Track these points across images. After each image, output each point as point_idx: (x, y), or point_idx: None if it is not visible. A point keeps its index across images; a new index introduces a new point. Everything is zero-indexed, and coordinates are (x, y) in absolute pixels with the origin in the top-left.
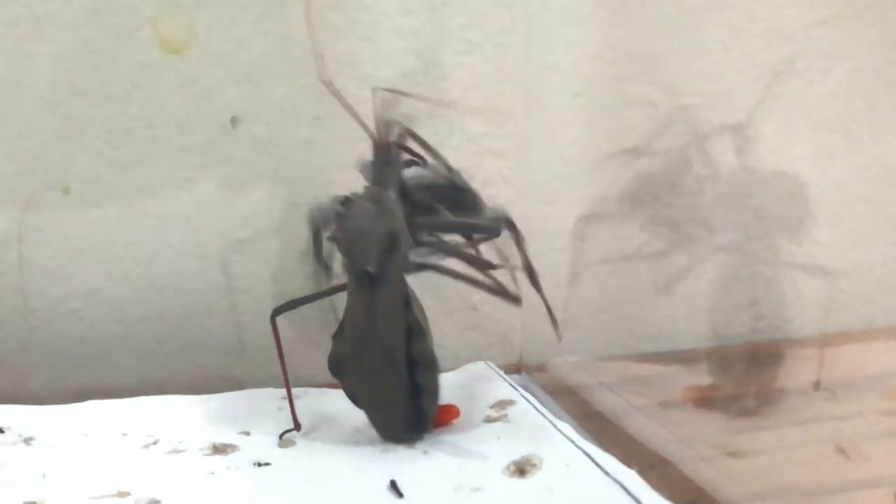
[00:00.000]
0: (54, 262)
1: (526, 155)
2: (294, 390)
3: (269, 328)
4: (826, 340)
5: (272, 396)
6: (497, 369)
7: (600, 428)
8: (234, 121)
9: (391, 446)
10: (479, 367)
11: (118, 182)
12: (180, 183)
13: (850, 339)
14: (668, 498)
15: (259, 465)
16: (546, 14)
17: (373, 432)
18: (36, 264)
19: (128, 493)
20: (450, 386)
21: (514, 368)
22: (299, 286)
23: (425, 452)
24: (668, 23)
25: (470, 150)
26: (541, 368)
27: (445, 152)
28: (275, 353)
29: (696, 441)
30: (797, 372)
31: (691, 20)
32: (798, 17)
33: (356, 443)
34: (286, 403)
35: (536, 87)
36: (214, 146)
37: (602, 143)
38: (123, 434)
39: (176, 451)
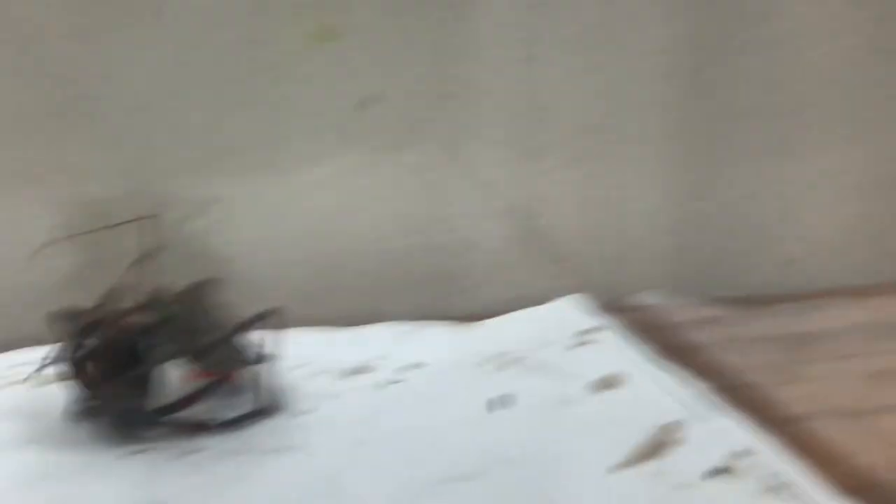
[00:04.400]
0: (222, 213)
1: None
2: (413, 324)
3: (400, 278)
4: None
5: (402, 328)
6: (586, 302)
7: (676, 355)
8: (363, 103)
9: (502, 367)
10: (571, 301)
11: (278, 152)
12: (331, 151)
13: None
14: (734, 409)
15: (392, 383)
16: None
17: (486, 357)
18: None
19: (283, 405)
20: (543, 317)
21: (600, 308)
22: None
23: (526, 372)
24: None
25: None
26: (624, 306)
27: None
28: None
29: (760, 369)
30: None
31: None
32: None
33: (468, 366)
34: (414, 335)
35: None
36: (353, 123)
37: None
38: (279, 359)
39: (323, 372)
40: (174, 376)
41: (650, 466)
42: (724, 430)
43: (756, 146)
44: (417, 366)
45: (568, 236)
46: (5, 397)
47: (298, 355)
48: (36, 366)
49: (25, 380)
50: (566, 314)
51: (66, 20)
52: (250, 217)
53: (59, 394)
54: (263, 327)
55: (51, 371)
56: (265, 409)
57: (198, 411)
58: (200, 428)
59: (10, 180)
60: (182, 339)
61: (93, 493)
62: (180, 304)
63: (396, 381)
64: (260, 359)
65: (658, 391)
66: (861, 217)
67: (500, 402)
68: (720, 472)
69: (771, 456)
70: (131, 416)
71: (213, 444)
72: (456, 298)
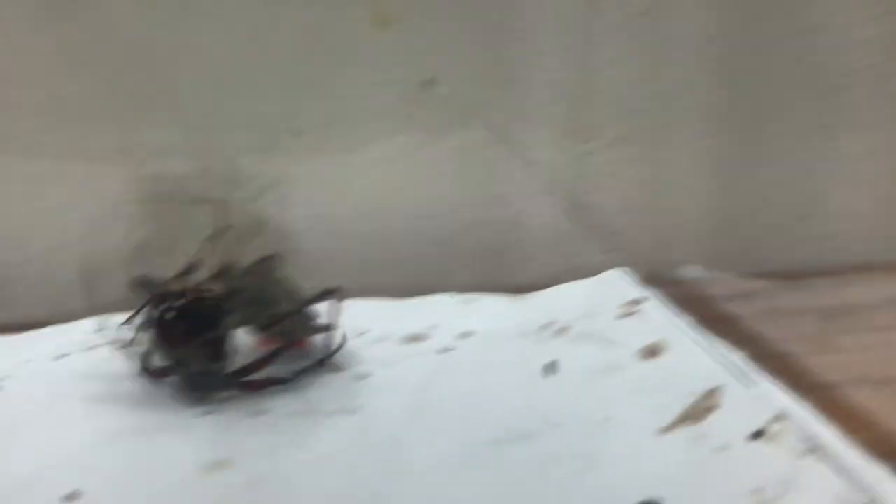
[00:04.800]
0: (286, 191)
1: None
2: (466, 295)
3: (454, 253)
4: None
5: (455, 300)
6: (631, 275)
7: (716, 327)
8: (427, 84)
9: (551, 336)
10: (617, 274)
11: (339, 133)
12: (388, 131)
13: None
14: (772, 377)
15: (445, 350)
16: None
17: (537, 326)
18: (274, 191)
19: (343, 370)
20: (591, 289)
21: (645, 280)
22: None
23: (575, 340)
24: None
25: None
26: (667, 280)
27: None
28: (458, 267)
29: (796, 339)
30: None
31: None
32: None
33: (519, 335)
34: (466, 305)
35: None
36: (408, 106)
37: None
38: (341, 326)
39: (381, 340)
40: (245, 343)
41: (693, 430)
42: (762, 396)
43: (797, 126)
44: (471, 334)
45: (614, 213)
46: (88, 359)
47: (359, 324)
48: (117, 330)
49: (107, 343)
50: (612, 286)
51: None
52: (313, 194)
53: (137, 357)
54: (328, 301)
55: (131, 335)
56: (329, 366)
57: (267, 373)
58: (269, 382)
59: (87, 157)
60: (252, 309)
61: (168, 449)
62: (250, 277)
63: (451, 349)
64: (326, 327)
65: (700, 359)
66: None
67: (550, 369)
68: (759, 435)
69: (807, 420)
70: (206, 378)
71: (279, 406)
72: (507, 272)
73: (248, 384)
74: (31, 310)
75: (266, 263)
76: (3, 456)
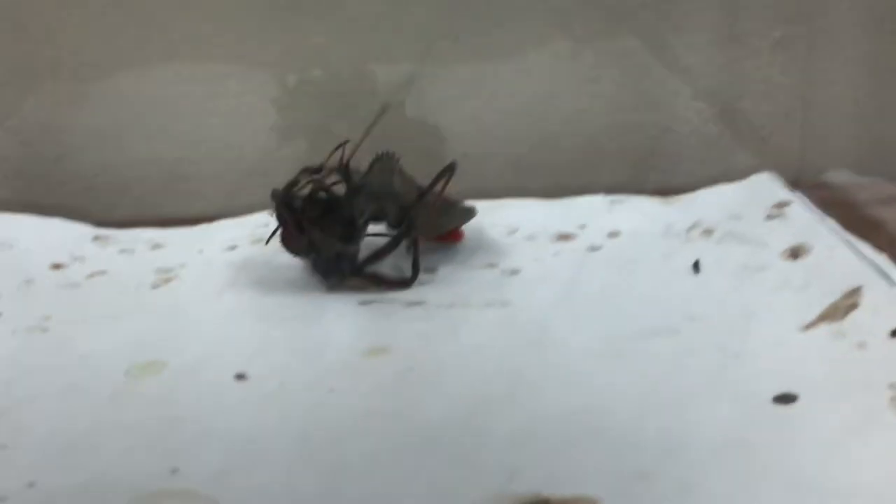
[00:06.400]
0: (443, 96)
1: None
2: (614, 196)
3: (603, 156)
4: None
5: (603, 200)
6: (778, 178)
7: (860, 230)
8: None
9: (697, 236)
10: (764, 177)
11: (491, 40)
12: (543, 37)
13: None
14: None
15: (592, 249)
16: None
17: (683, 227)
18: (429, 96)
19: (496, 265)
20: (738, 192)
21: (792, 184)
22: None
23: (720, 241)
24: None
25: None
26: (813, 184)
27: None
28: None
29: None
30: None
31: None
32: None
33: (665, 235)
34: (614, 206)
35: None
36: (570, 9)
37: None
38: (492, 225)
39: (531, 238)
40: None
41: (833, 327)
42: None
43: None
44: (618, 234)
45: (764, 118)
46: (256, 251)
47: (511, 223)
48: (266, 227)
49: (261, 240)
50: (759, 189)
51: None
52: (468, 99)
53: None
54: (447, 181)
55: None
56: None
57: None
58: (392, 283)
59: (254, 61)
60: (380, 204)
61: (327, 333)
62: (370, 175)
63: (599, 248)
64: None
65: (843, 259)
66: None
67: (695, 268)
68: None
69: None
70: (337, 263)
71: (433, 299)
72: (655, 175)
73: (374, 277)
74: (206, 204)
75: (385, 161)
76: (178, 338)
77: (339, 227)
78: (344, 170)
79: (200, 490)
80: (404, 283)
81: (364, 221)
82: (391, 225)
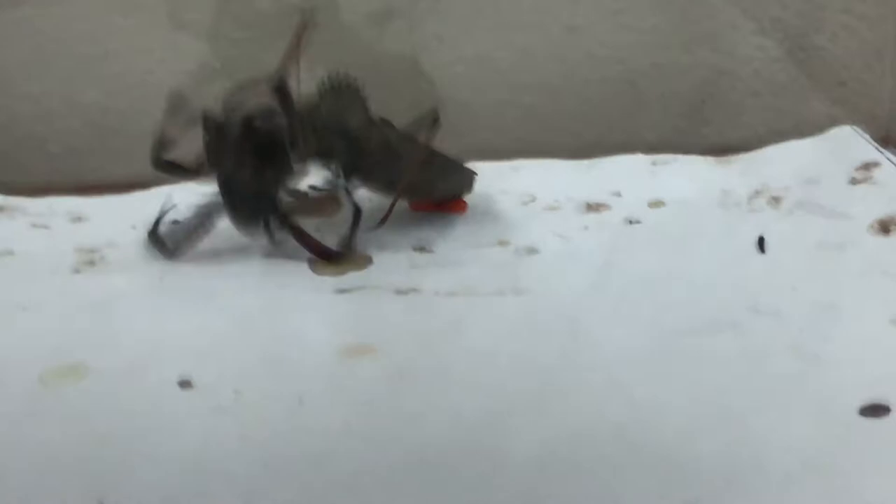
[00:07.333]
0: (442, 30)
1: None
2: (658, 157)
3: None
4: None
5: (643, 161)
6: (863, 133)
7: None
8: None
9: (761, 206)
10: (845, 131)
11: None
12: None
13: None
14: None
15: (630, 222)
16: None
17: (745, 194)
18: (422, 29)
19: (508, 242)
20: (813, 150)
21: (881, 141)
22: None
23: (792, 212)
24: None
25: None
26: None
27: None
28: (650, 121)
29: None
30: None
31: None
32: None
33: (721, 205)
34: (656, 168)
35: None
36: None
37: None
38: (503, 192)
39: (552, 208)
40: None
41: None
42: None
43: None
44: (662, 204)
45: (843, 58)
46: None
47: (526, 190)
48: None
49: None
50: (840, 147)
51: None
52: (471, 33)
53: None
54: (430, 134)
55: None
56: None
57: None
58: (321, 250)
59: None
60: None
61: (296, 328)
62: (324, 104)
63: (637, 221)
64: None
65: None
66: None
67: (760, 246)
68: None
69: None
70: (255, 202)
71: (429, 285)
72: (710, 128)
73: (297, 231)
74: (139, 166)
75: (342, 88)
76: (104, 335)
77: (267, 161)
78: (280, 89)
79: None
80: (327, 255)
81: (300, 159)
82: (337, 174)
